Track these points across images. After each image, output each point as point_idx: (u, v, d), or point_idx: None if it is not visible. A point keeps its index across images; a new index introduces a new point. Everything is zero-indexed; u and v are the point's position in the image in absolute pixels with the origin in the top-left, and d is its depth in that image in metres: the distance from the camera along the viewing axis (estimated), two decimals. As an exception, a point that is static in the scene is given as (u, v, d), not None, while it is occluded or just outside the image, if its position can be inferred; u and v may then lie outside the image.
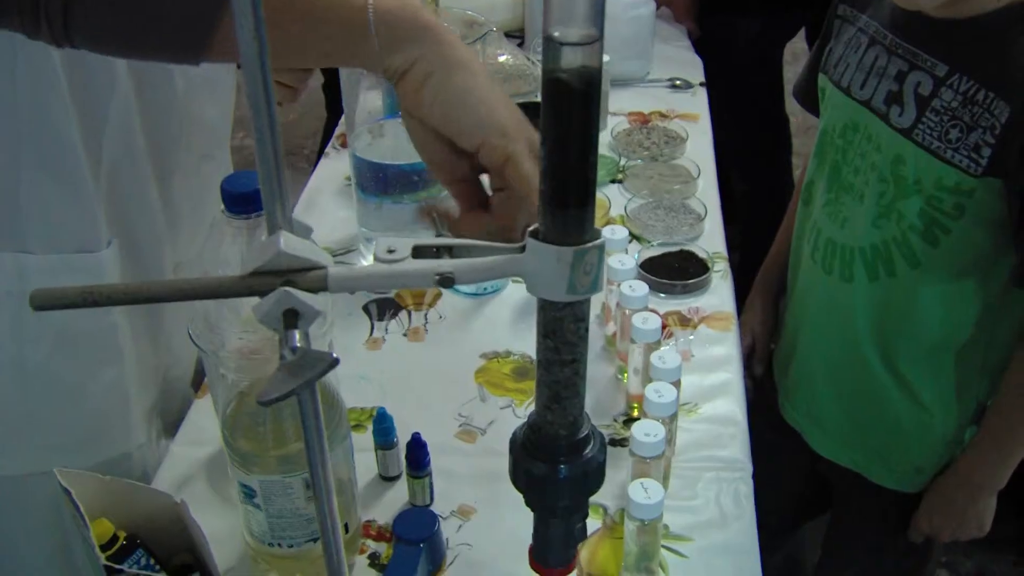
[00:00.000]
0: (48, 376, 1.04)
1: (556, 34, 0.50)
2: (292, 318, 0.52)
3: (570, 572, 0.72)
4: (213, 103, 1.20)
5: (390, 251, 0.56)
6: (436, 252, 0.58)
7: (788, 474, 1.52)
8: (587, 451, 0.64)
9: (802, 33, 2.30)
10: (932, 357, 1.26)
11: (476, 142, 0.73)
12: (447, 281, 0.55)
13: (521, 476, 0.65)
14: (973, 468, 1.27)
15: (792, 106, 2.38)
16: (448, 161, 0.76)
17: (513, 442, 0.65)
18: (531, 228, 0.56)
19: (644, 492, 0.90)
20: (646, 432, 0.94)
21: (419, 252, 0.57)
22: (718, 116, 1.83)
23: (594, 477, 0.65)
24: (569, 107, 0.52)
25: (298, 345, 0.50)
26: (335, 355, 0.51)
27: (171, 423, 1.21)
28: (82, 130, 0.97)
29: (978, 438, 1.26)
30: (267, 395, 0.47)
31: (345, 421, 0.93)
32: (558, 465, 0.64)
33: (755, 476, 1.09)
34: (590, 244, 0.55)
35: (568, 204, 0.54)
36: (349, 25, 0.72)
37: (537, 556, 0.71)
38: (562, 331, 0.59)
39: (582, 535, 0.72)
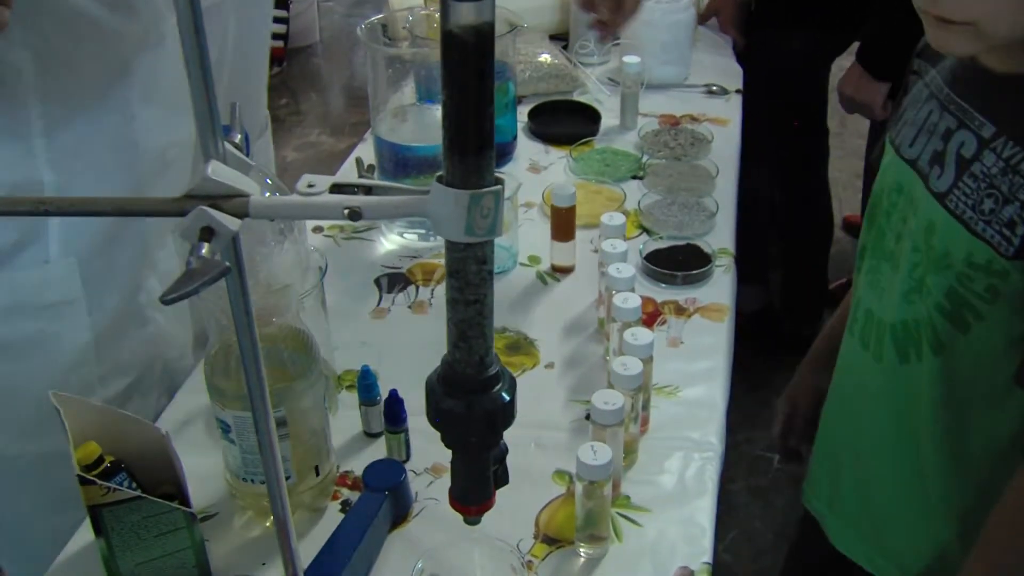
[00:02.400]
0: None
1: (451, -6, 0.56)
2: (207, 234, 0.58)
3: (486, 510, 0.77)
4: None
5: (310, 185, 0.62)
6: (354, 191, 0.63)
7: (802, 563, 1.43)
8: (495, 389, 0.69)
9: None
10: (956, 459, 1.09)
11: None
12: (355, 215, 0.61)
13: (433, 411, 0.70)
14: None
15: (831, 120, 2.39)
16: None
17: (429, 381, 0.71)
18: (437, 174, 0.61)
19: (592, 454, 0.95)
20: (605, 400, 0.99)
21: (337, 189, 0.63)
22: (756, 123, 1.86)
23: (501, 415, 0.70)
24: (463, 59, 0.57)
25: (203, 255, 0.56)
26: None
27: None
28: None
29: (967, 565, 1.04)
30: (168, 294, 0.54)
31: (319, 372, 0.99)
32: (466, 401, 0.69)
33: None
34: (487, 189, 0.60)
35: (467, 151, 0.60)
36: None
37: (456, 494, 0.76)
38: (465, 272, 0.64)
39: (503, 479, 0.77)
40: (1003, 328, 0.99)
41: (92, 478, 0.89)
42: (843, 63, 2.36)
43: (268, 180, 0.88)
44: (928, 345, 1.05)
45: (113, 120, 1.10)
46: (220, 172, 0.60)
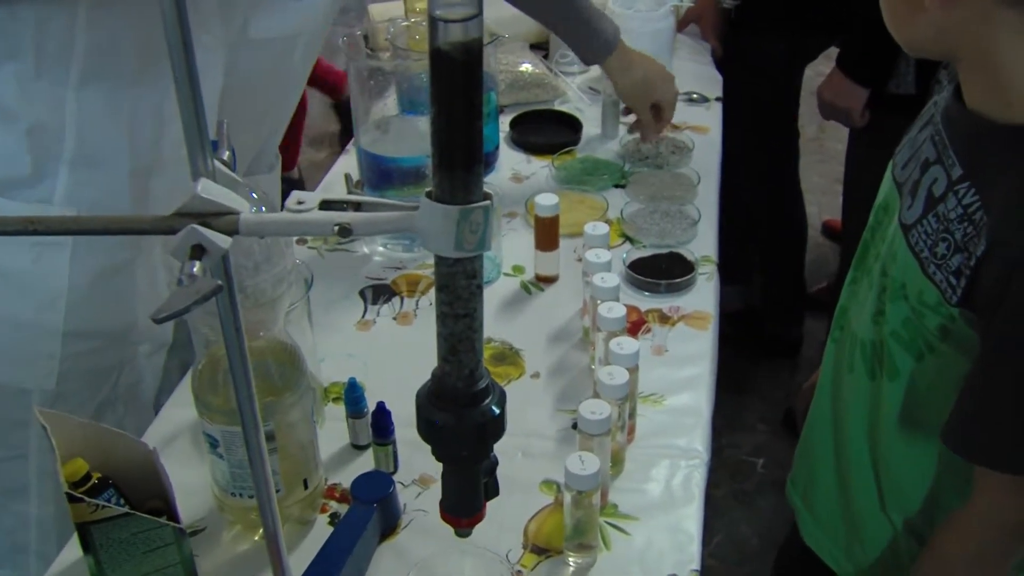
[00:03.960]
0: None
1: (439, 13, 0.56)
2: (198, 252, 0.58)
3: (477, 522, 0.77)
4: None
5: (299, 202, 0.63)
6: (343, 207, 0.64)
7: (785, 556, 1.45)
8: (484, 403, 0.69)
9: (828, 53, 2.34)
10: (908, 484, 1.10)
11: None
12: (345, 231, 0.62)
13: (423, 425, 0.71)
14: None
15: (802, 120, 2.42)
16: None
17: (419, 394, 0.71)
18: (427, 190, 0.62)
19: (581, 464, 0.95)
20: (592, 410, 0.99)
21: (327, 205, 0.63)
22: (733, 128, 1.87)
23: (491, 428, 0.70)
24: (452, 77, 0.58)
25: (194, 273, 0.56)
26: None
27: (137, 398, 1.30)
28: None
29: None
30: (159, 313, 0.54)
31: (307, 384, 0.99)
32: (456, 414, 0.69)
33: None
34: (475, 204, 0.61)
35: (455, 166, 0.60)
36: None
37: (446, 507, 0.77)
38: (454, 286, 0.64)
39: (493, 491, 0.77)
40: (953, 365, 0.98)
41: (80, 496, 0.88)
42: (820, 68, 2.39)
43: (253, 194, 0.88)
44: (890, 368, 1.05)
45: (145, 94, 1.12)
46: (210, 190, 0.61)
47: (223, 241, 0.59)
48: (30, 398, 1.18)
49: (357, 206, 0.64)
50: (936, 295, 0.95)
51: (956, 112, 0.96)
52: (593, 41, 1.63)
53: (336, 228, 0.62)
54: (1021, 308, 0.87)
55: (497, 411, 0.70)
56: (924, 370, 1.01)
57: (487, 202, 0.61)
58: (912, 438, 1.07)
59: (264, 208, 0.78)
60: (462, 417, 0.69)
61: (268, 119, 1.35)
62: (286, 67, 1.28)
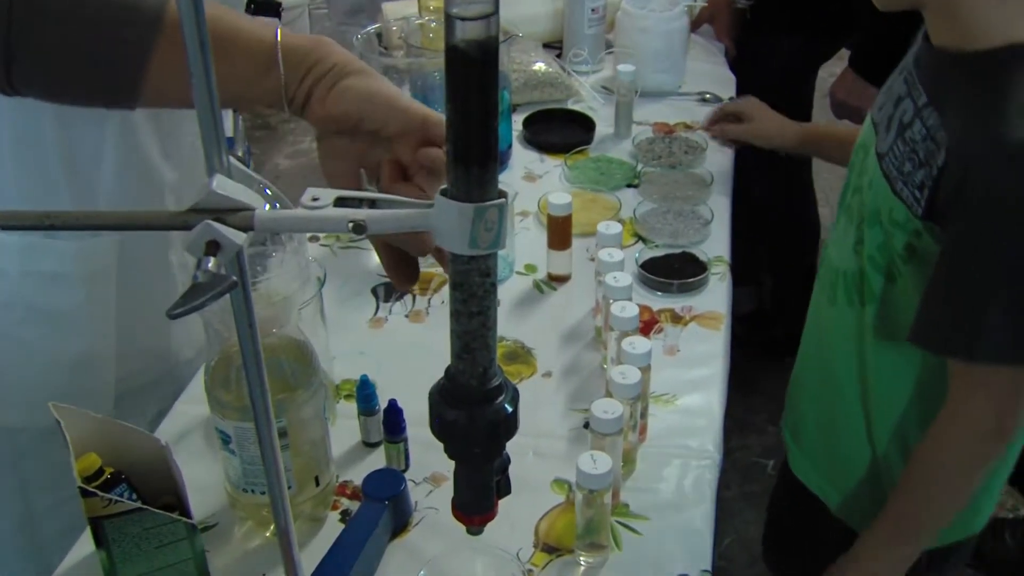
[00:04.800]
0: (12, 341, 1.13)
1: (455, 11, 0.56)
2: (213, 248, 0.58)
3: (488, 521, 0.77)
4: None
5: (314, 199, 0.63)
6: (358, 204, 0.64)
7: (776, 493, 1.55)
8: (498, 401, 0.69)
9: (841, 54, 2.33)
10: (903, 399, 1.18)
11: (398, 123, 0.80)
12: (359, 228, 0.62)
13: (436, 422, 0.70)
14: (864, 553, 1.17)
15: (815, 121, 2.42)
16: (369, 157, 0.84)
17: (432, 392, 0.71)
18: (441, 187, 0.62)
19: (593, 463, 0.95)
20: (604, 409, 0.99)
21: (342, 202, 0.63)
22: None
23: (504, 426, 0.70)
24: (468, 74, 0.58)
25: (209, 269, 0.56)
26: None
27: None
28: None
29: (876, 520, 1.16)
30: (175, 309, 0.54)
31: (319, 381, 0.99)
32: (469, 412, 0.69)
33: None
34: (490, 202, 0.61)
35: (471, 164, 0.60)
36: (255, 62, 0.79)
37: (459, 505, 0.76)
38: (469, 284, 0.64)
39: (505, 490, 0.77)
40: (920, 285, 1.06)
41: (93, 490, 0.89)
42: (833, 69, 2.38)
43: (268, 191, 0.89)
44: (868, 294, 1.15)
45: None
46: (225, 186, 0.61)
47: (238, 237, 0.59)
48: None
49: (372, 203, 0.64)
50: (904, 211, 1.05)
51: (924, 52, 1.08)
52: None
53: (351, 225, 0.61)
54: (977, 202, 0.96)
55: (510, 409, 0.70)
56: (895, 291, 1.11)
57: (502, 200, 0.61)
58: (891, 356, 1.16)
59: (277, 204, 0.78)
60: (475, 415, 0.69)
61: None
62: None
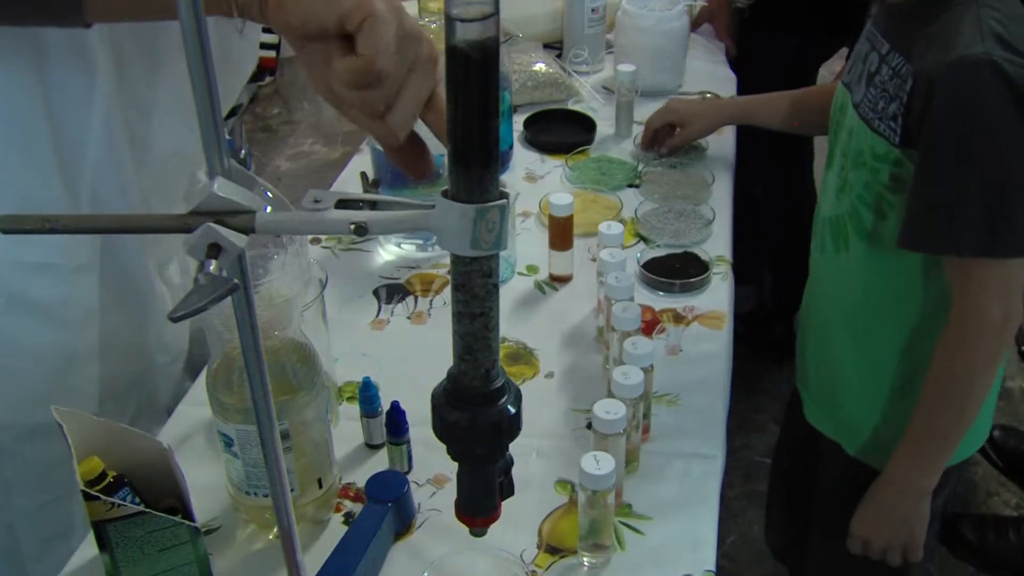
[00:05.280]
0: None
1: (456, 12, 0.56)
2: (214, 251, 0.58)
3: (492, 522, 0.77)
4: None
5: (316, 200, 0.63)
6: (359, 206, 0.64)
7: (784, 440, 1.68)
8: (500, 402, 0.69)
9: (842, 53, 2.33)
10: (892, 332, 1.28)
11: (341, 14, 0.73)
12: (361, 230, 0.62)
13: (438, 424, 0.70)
14: (898, 467, 1.26)
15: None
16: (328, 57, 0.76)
17: (434, 393, 0.71)
18: (443, 188, 0.62)
19: (595, 463, 0.95)
20: (607, 410, 0.99)
21: (343, 204, 0.63)
22: (746, 127, 1.87)
23: (507, 427, 0.70)
24: (468, 75, 0.57)
25: (210, 271, 0.56)
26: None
27: (155, 408, 1.29)
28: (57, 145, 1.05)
29: (905, 436, 1.25)
30: (176, 312, 0.54)
31: (322, 383, 0.99)
32: (472, 414, 0.69)
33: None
34: (492, 203, 0.61)
35: (472, 164, 0.60)
36: None
37: (462, 506, 0.76)
38: (471, 285, 0.64)
39: (508, 491, 0.77)
40: None
41: (96, 494, 0.89)
42: (833, 67, 2.38)
43: (268, 193, 0.88)
44: (855, 233, 1.25)
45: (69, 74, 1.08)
46: (226, 188, 0.61)
47: (239, 239, 0.59)
48: None
49: (373, 205, 0.64)
50: (884, 144, 1.17)
51: (880, 11, 1.25)
52: None
53: (352, 227, 0.61)
54: (943, 111, 1.09)
55: (513, 410, 0.70)
56: (889, 228, 1.20)
57: (503, 201, 0.61)
58: (884, 299, 1.27)
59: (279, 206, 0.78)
60: (478, 416, 0.69)
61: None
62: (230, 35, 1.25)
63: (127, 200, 1.10)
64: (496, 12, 0.56)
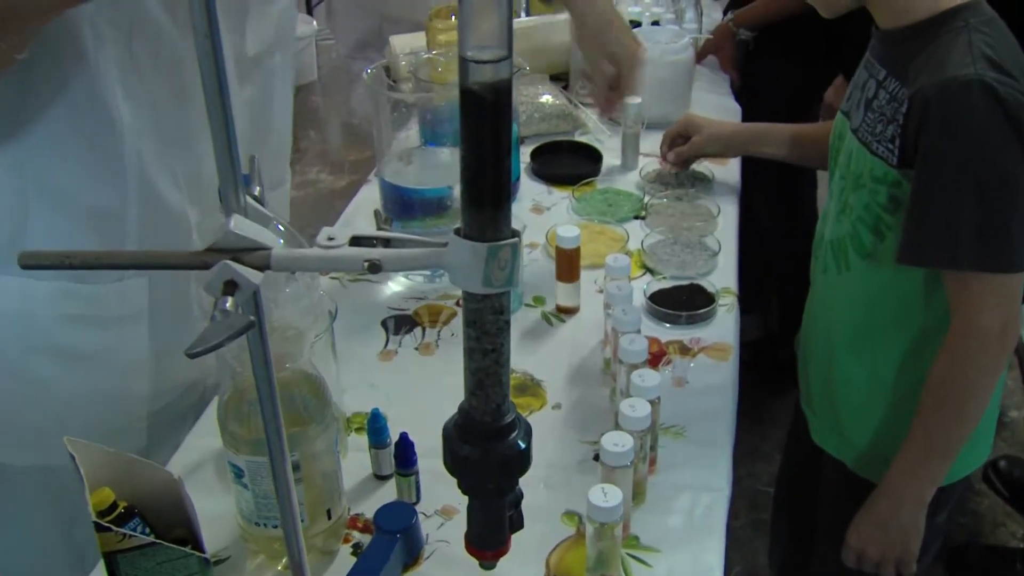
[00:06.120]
0: (45, 384, 1.14)
1: (469, 54, 0.57)
2: (231, 288, 0.59)
3: (502, 555, 0.77)
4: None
5: (330, 238, 0.64)
6: (373, 243, 0.65)
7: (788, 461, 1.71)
8: (511, 437, 0.70)
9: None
10: (893, 349, 1.31)
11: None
12: (375, 267, 0.63)
13: (450, 458, 0.71)
14: (895, 478, 1.28)
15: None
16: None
17: (446, 428, 0.72)
18: (450, 221, 0.63)
19: (603, 496, 0.95)
20: (614, 442, 1.00)
21: (357, 242, 0.64)
22: (751, 156, 1.88)
23: (518, 461, 0.71)
24: (481, 116, 0.59)
25: (227, 309, 0.57)
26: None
27: None
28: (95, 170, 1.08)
29: (903, 446, 1.27)
30: (193, 348, 0.55)
31: (332, 415, 1.00)
32: (483, 448, 0.70)
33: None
34: (504, 242, 0.62)
35: (484, 204, 0.61)
36: None
37: (472, 539, 0.77)
38: (482, 321, 0.65)
39: (518, 524, 0.78)
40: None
41: (108, 524, 0.89)
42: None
43: (280, 227, 0.90)
44: (856, 253, 1.29)
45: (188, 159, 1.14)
46: (242, 226, 0.62)
47: (255, 277, 0.60)
48: None
49: (387, 242, 0.65)
50: (882, 166, 1.22)
51: (876, 39, 1.29)
52: None
53: (366, 264, 0.62)
54: (937, 130, 1.13)
55: (523, 445, 0.70)
56: (887, 248, 1.24)
57: (515, 239, 0.62)
58: (884, 318, 1.31)
59: (292, 240, 0.79)
60: (488, 451, 0.70)
61: (270, 138, 1.35)
62: (271, 83, 1.29)
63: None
64: (509, 55, 0.57)
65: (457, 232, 0.62)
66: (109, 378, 1.16)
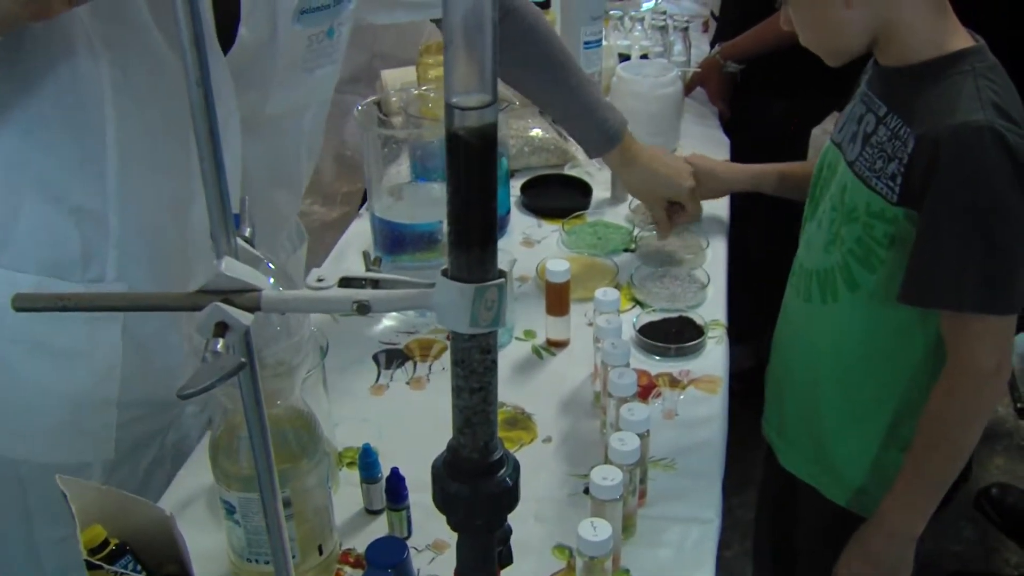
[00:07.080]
0: (15, 374, 1.17)
1: (455, 100, 0.59)
2: (222, 329, 0.60)
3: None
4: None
5: (319, 280, 0.65)
6: (362, 284, 0.66)
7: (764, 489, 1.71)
8: (499, 474, 0.71)
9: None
10: (881, 383, 1.32)
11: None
12: (363, 308, 0.64)
13: (439, 495, 0.72)
14: (888, 512, 1.29)
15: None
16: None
17: (434, 465, 0.72)
18: (439, 257, 0.64)
19: (593, 530, 0.96)
20: (604, 476, 1.01)
21: (346, 283, 0.65)
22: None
23: (506, 498, 0.71)
24: (468, 160, 0.60)
25: (218, 350, 0.58)
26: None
27: (183, 451, 1.30)
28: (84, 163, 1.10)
29: (896, 481, 1.28)
30: (185, 389, 0.56)
31: (323, 450, 1.01)
32: (471, 486, 0.70)
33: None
34: (490, 283, 0.63)
35: (471, 245, 0.62)
36: None
37: (461, 575, 0.77)
38: (470, 360, 0.66)
39: (507, 559, 0.78)
40: (901, 269, 1.21)
41: (99, 563, 0.90)
42: (827, 126, 2.41)
43: (270, 265, 0.91)
44: (845, 286, 1.30)
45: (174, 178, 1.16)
46: (233, 268, 0.63)
47: (245, 318, 0.61)
48: (91, 471, 1.22)
49: (375, 283, 0.66)
50: (880, 202, 1.23)
51: (876, 75, 1.30)
52: (594, 133, 1.61)
53: (355, 305, 0.63)
54: (947, 175, 1.14)
55: (511, 482, 0.71)
56: (878, 281, 1.26)
57: (502, 280, 0.63)
58: (872, 350, 1.32)
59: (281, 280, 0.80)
60: (477, 488, 0.70)
61: (284, 193, 1.37)
62: (297, 139, 1.31)
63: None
64: (495, 100, 0.59)
65: (444, 273, 0.63)
66: (81, 378, 1.18)
